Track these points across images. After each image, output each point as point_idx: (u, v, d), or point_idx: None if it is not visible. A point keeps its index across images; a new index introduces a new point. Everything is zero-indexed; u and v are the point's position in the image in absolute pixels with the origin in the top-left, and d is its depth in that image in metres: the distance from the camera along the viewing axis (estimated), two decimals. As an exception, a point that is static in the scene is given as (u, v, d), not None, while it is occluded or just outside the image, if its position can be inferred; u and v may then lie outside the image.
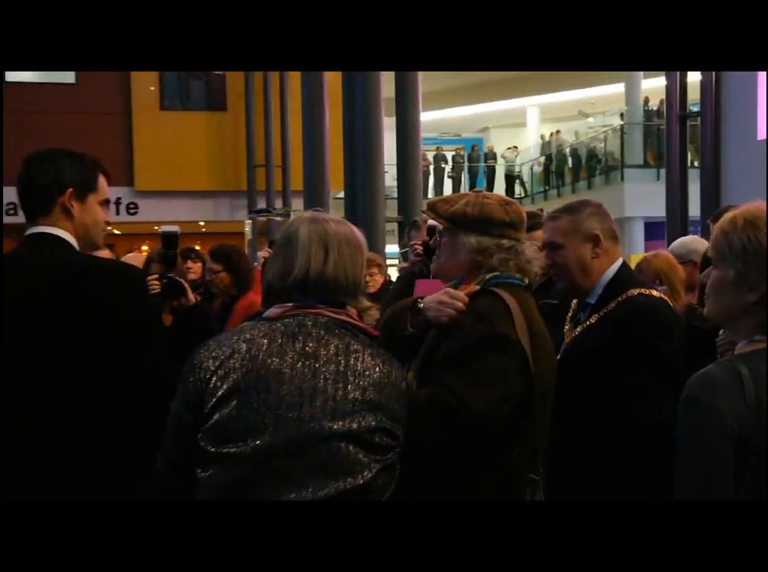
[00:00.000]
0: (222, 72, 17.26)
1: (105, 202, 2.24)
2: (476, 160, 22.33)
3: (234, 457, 1.52)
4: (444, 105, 22.19)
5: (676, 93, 11.08)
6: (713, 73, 10.82)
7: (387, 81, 7.10)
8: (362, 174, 7.02)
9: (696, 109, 11.25)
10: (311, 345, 1.59)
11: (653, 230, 15.93)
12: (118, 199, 16.51)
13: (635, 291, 2.41)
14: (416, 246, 3.83)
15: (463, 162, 21.67)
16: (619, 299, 2.39)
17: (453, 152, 21.83)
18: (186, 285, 3.61)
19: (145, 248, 14.35)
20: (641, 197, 16.18)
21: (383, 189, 7.28)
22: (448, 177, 21.31)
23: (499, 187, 21.44)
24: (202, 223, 17.26)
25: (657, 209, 13.43)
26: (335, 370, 1.58)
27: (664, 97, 16.32)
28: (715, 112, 10.83)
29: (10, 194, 14.74)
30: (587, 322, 2.45)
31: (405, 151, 7.50)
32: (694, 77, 11.29)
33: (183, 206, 16.66)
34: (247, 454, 1.52)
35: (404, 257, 6.75)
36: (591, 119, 22.02)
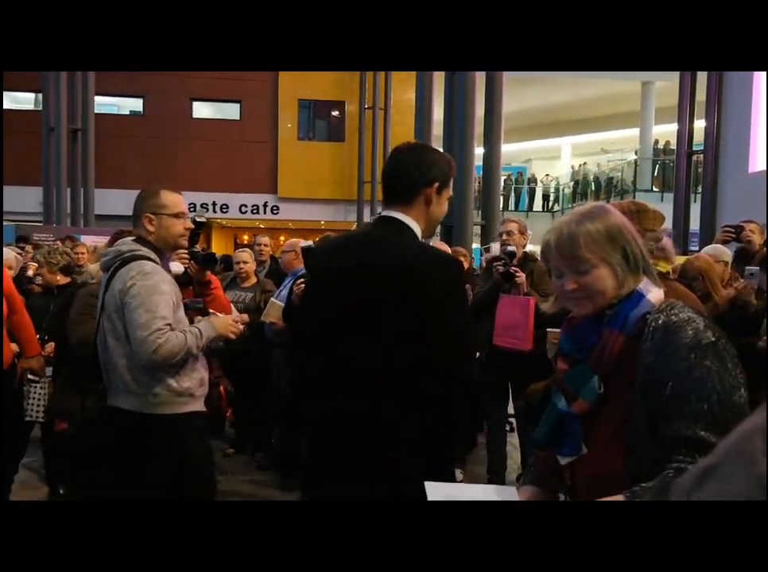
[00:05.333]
0: (339, 113, 17.39)
1: (449, 198, 1.81)
2: (521, 183, 21.93)
3: None
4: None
5: (686, 135, 10.71)
6: (715, 119, 10.42)
7: (478, 123, 7.09)
8: (457, 189, 7.02)
9: (699, 147, 10.85)
10: None
11: (655, 239, 15.49)
12: (265, 202, 16.86)
13: None
14: (498, 266, 3.67)
15: (512, 184, 21.30)
16: None
17: (505, 177, 21.50)
18: None
19: (282, 238, 14.64)
20: (648, 214, 15.69)
21: (472, 202, 7.27)
22: (500, 195, 21.04)
23: (537, 204, 21.11)
24: (322, 222, 17.49)
25: (661, 223, 13.08)
26: None
27: (669, 139, 15.92)
28: (714, 150, 10.44)
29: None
30: None
31: (489, 174, 7.47)
32: (699, 124, 10.89)
33: (310, 209, 16.86)
34: None
35: (486, 250, 6.73)
36: (609, 155, 21.38)
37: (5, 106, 15.94)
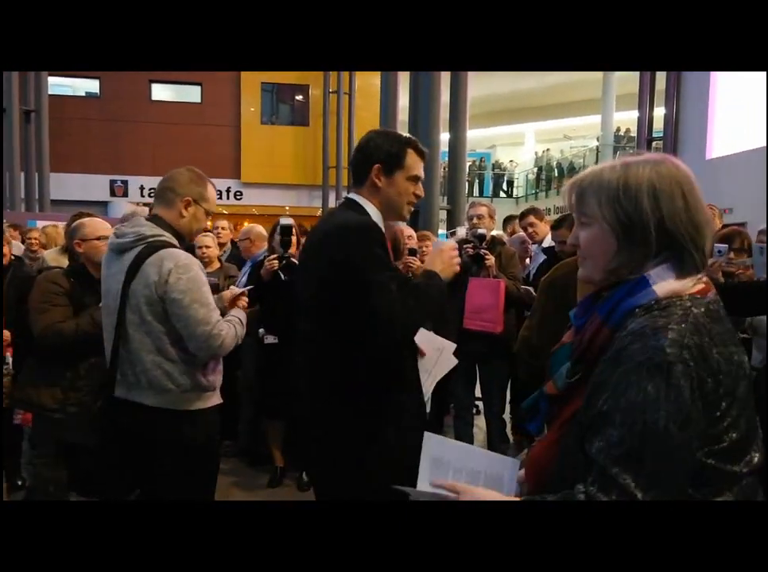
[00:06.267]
0: (303, 98, 17.18)
1: (414, 178, 1.81)
2: (484, 169, 22.05)
3: None
4: (464, 127, 21.94)
5: (646, 122, 10.93)
6: (674, 107, 10.64)
7: (443, 108, 7.07)
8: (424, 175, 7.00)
9: (659, 134, 11.10)
10: None
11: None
12: (228, 187, 16.58)
13: None
14: (468, 249, 3.64)
15: (476, 170, 21.40)
16: None
17: (469, 163, 21.57)
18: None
19: (246, 224, 14.42)
20: (609, 200, 15.95)
21: (438, 187, 7.26)
22: (466, 181, 21.11)
23: (502, 190, 21.30)
24: (287, 208, 17.28)
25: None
26: None
27: (630, 126, 16.23)
28: (673, 137, 10.67)
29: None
30: None
31: (455, 160, 7.47)
32: (659, 112, 11.12)
33: (274, 195, 16.68)
34: None
35: (452, 234, 6.75)
36: (572, 141, 21.65)
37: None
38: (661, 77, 10.84)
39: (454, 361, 2.06)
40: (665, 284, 1.01)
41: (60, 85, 15.50)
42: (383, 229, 1.78)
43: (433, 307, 1.74)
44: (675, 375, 0.92)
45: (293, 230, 3.58)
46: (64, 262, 3.37)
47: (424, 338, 2.05)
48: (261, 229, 4.55)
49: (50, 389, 2.61)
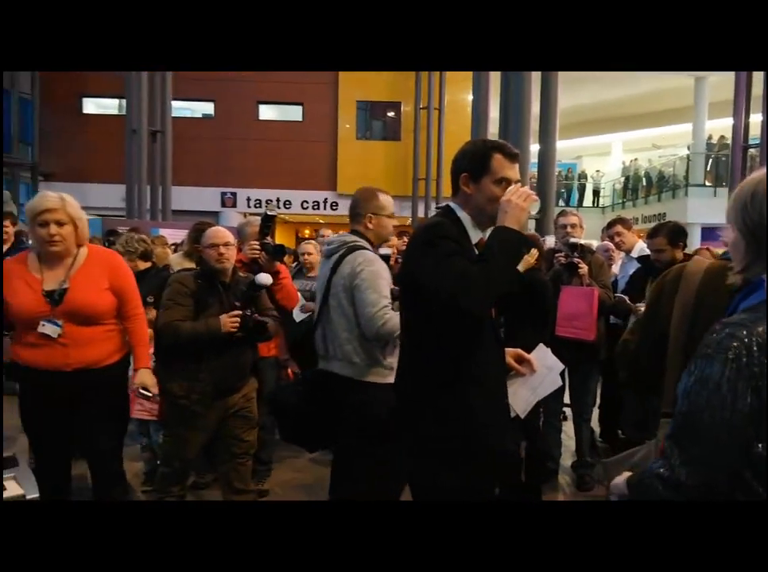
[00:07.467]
0: (394, 114, 17.34)
1: (500, 181, 1.70)
2: (571, 179, 21.38)
3: None
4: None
5: (741, 129, 10.21)
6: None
7: (534, 120, 6.90)
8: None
9: (756, 142, 10.32)
10: None
11: (706, 234, 14.82)
12: (325, 198, 17.00)
13: None
14: (560, 258, 3.62)
15: (562, 180, 20.78)
16: None
17: (556, 173, 20.97)
18: None
19: (341, 232, 14.66)
20: (700, 209, 15.02)
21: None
22: (554, 191, 20.55)
23: (588, 199, 20.56)
24: (379, 217, 17.47)
25: (713, 217, 12.72)
26: None
27: (723, 134, 15.22)
28: (772, 144, 9.88)
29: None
30: None
31: (544, 170, 7.29)
32: (755, 118, 10.35)
33: (367, 205, 16.92)
34: None
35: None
36: (661, 150, 20.56)
37: (92, 111, 16.67)
38: (758, 81, 10.07)
39: (559, 383, 2.00)
40: None
41: (181, 108, 16.51)
42: (472, 234, 1.74)
43: (498, 266, 1.57)
44: (723, 366, 0.96)
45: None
46: (188, 265, 3.54)
47: (540, 354, 2.02)
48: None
49: (177, 379, 2.75)
